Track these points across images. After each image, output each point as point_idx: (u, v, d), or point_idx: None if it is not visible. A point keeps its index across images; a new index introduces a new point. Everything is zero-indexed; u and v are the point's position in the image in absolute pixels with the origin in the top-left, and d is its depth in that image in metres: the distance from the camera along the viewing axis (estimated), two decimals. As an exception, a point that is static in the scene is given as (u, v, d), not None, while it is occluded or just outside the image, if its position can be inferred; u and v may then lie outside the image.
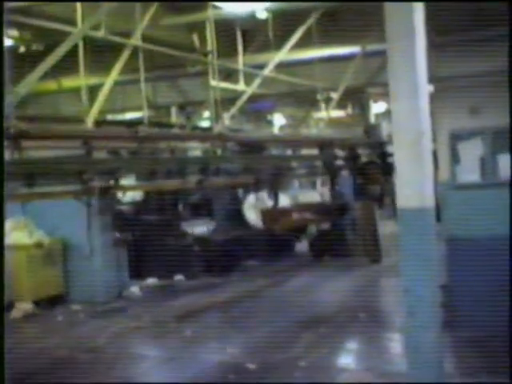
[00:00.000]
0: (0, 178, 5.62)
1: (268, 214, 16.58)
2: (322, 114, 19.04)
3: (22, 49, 12.68)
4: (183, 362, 9.71)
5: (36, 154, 8.47)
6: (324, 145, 14.88)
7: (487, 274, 9.07)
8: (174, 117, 18.83)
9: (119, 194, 14.28)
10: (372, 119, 20.30)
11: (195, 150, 13.00)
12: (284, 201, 17.74)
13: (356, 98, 20.45)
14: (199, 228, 17.37)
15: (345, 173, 17.70)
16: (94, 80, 11.08)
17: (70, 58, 8.66)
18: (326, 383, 8.34)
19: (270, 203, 17.32)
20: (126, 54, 9.49)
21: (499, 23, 9.42)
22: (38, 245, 13.88)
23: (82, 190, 9.48)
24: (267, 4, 12.52)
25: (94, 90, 10.24)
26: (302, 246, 20.18)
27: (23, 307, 13.38)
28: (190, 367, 9.42)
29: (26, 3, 10.00)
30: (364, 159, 17.35)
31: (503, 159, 9.40)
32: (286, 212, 17.01)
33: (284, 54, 12.85)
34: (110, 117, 18.70)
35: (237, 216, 17.65)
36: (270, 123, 26.57)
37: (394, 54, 6.86)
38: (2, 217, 5.34)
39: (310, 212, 16.34)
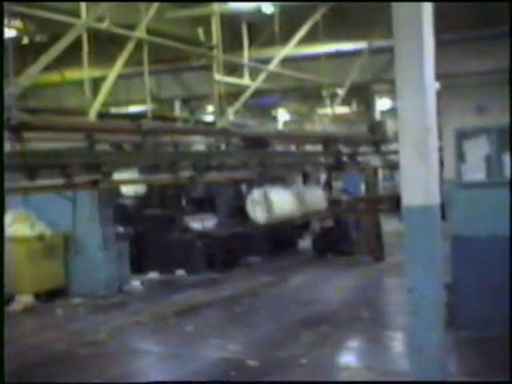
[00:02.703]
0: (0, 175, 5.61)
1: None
2: (327, 110, 18.97)
3: (26, 40, 12.64)
4: (184, 358, 9.69)
5: (38, 147, 8.44)
6: (329, 141, 14.83)
7: (492, 273, 9.04)
8: (178, 111, 18.79)
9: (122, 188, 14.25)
10: (377, 116, 20.26)
11: (198, 144, 12.97)
12: (287, 197, 17.69)
13: (361, 94, 20.39)
14: (202, 223, 17.34)
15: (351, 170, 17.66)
16: (97, 72, 11.03)
17: (74, 50, 8.61)
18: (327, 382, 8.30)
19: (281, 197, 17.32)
20: (129, 47, 9.43)
21: (508, 21, 9.38)
22: (40, 237, 13.86)
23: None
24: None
25: (97, 83, 10.19)
26: (305, 243, 20.18)
27: (23, 300, 13.38)
28: (191, 363, 9.40)
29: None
30: None
31: (508, 158, 9.37)
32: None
33: (290, 49, 12.78)
34: (113, 110, 18.64)
35: (240, 212, 17.60)
36: (275, 119, 26.52)
37: (401, 50, 6.82)
38: (2, 218, 5.30)
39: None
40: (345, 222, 18.37)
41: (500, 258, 8.86)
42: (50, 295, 13.93)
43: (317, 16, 12.73)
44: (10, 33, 11.40)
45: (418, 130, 6.65)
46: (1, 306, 5.15)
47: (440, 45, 7.60)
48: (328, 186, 17.50)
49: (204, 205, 18.55)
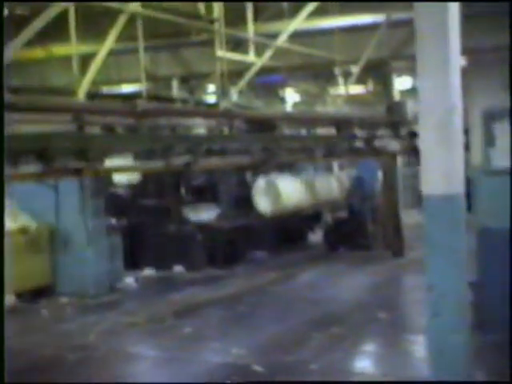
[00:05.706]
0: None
1: None
2: (340, 89, 18.94)
3: (5, 12, 12.63)
4: (182, 363, 9.68)
5: (22, 130, 8.41)
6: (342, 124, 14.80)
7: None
8: (176, 90, 18.78)
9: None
10: (396, 96, 20.20)
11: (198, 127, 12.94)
12: (296, 186, 17.69)
13: (378, 72, 20.34)
14: (202, 214, 17.32)
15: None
16: (86, 48, 11.03)
17: (60, 23, 8.58)
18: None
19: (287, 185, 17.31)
20: (122, 21, 9.40)
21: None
22: (23, 230, 13.82)
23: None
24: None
25: (86, 60, 10.16)
26: (316, 236, 20.17)
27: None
28: (190, 369, 9.39)
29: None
30: None
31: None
32: None
33: (299, 23, 12.75)
34: (104, 89, 18.63)
35: (244, 202, 17.58)
36: (283, 100, 26.47)
37: (422, 23, 6.78)
38: (2, 213, 5.32)
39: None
40: (360, 213, 18.33)
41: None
42: (35, 294, 13.91)
43: (329, -14, 12.71)
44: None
45: (441, 110, 6.62)
46: (1, 304, 5.15)
47: (466, 17, 7.56)
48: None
49: (205, 194, 18.50)
